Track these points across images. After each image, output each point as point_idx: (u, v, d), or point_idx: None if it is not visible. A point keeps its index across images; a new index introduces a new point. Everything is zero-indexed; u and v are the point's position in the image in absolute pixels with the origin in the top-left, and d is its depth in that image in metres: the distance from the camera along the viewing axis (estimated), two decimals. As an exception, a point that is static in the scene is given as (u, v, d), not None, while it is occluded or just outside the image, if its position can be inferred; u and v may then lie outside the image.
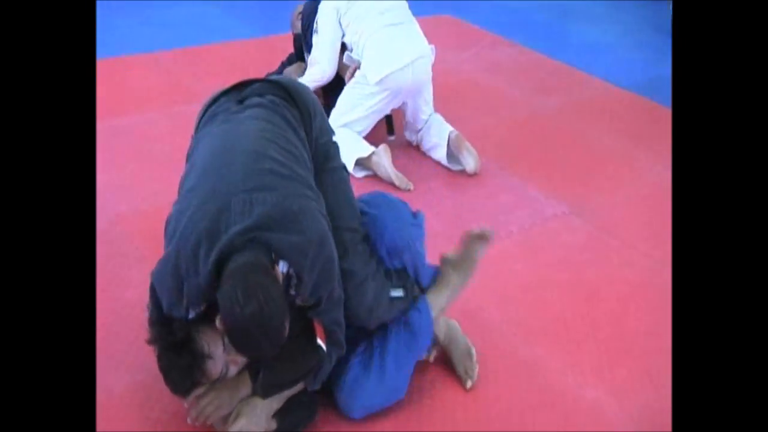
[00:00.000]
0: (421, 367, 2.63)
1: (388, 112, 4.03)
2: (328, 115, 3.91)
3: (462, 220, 3.49)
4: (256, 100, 2.41)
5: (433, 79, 4.18)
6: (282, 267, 2.10)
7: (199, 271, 2.03)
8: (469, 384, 2.59)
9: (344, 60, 3.96)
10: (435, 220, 3.43)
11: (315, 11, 3.98)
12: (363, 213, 2.51)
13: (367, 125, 3.93)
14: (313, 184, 2.29)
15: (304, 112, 2.42)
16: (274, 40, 5.38)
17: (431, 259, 2.67)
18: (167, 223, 2.20)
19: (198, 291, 2.06)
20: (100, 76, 4.79)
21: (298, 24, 4.27)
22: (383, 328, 2.51)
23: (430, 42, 3.95)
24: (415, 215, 2.65)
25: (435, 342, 2.64)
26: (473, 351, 2.65)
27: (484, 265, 3.12)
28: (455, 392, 2.58)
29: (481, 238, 2.69)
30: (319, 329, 2.24)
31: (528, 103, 4.79)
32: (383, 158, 3.76)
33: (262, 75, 4.68)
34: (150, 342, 2.21)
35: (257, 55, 4.89)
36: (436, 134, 3.97)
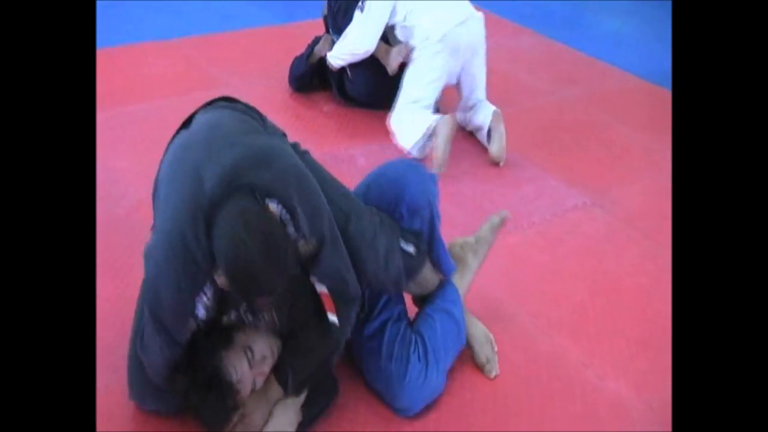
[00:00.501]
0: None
1: (446, 81, 3.98)
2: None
3: (483, 210, 3.45)
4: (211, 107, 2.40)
5: None
6: (273, 206, 2.05)
7: (200, 238, 1.98)
8: (493, 373, 2.58)
9: (393, 53, 3.95)
10: (455, 210, 3.42)
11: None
12: (381, 175, 2.51)
13: (432, 97, 3.91)
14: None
15: (257, 117, 2.39)
16: (293, 27, 5.37)
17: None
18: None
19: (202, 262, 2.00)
20: (120, 63, 4.82)
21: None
22: (428, 318, 2.53)
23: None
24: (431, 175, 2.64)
25: None
26: (493, 339, 2.64)
27: (505, 255, 3.12)
28: (473, 384, 2.56)
29: (501, 224, 2.74)
30: (327, 301, 2.19)
31: (549, 93, 4.76)
32: (446, 127, 3.69)
33: (281, 61, 4.71)
34: (175, 390, 2.17)
35: (276, 43, 4.87)
36: (483, 116, 3.98)
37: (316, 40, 4.41)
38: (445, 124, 3.71)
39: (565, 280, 3.08)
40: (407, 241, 2.41)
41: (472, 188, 3.68)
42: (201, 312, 2.06)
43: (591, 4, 6.48)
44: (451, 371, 2.57)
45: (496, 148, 3.85)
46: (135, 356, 2.26)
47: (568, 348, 2.73)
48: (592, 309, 2.92)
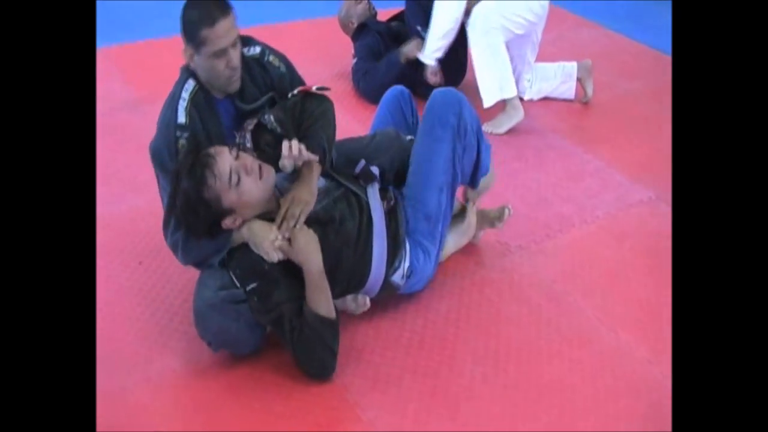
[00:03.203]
0: (500, 356, 2.64)
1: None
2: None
3: (547, 203, 3.46)
4: None
5: None
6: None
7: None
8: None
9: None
10: (519, 202, 3.42)
11: None
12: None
13: (519, 29, 4.09)
14: None
15: None
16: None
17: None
18: None
19: None
20: (169, 55, 4.86)
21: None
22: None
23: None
24: None
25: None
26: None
27: (570, 249, 3.12)
28: (539, 378, 2.56)
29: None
30: (303, 89, 2.66)
31: (612, 86, 4.71)
32: (516, 115, 4.07)
33: (335, 53, 4.73)
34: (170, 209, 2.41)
35: (333, 34, 4.88)
36: (556, 75, 4.46)
37: (369, 51, 4.43)
38: (517, 112, 4.13)
39: (630, 275, 3.06)
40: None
41: (536, 180, 3.67)
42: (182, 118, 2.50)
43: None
44: (516, 363, 2.58)
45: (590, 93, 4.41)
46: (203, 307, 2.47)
47: (634, 344, 2.71)
48: (658, 305, 2.89)
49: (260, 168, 2.38)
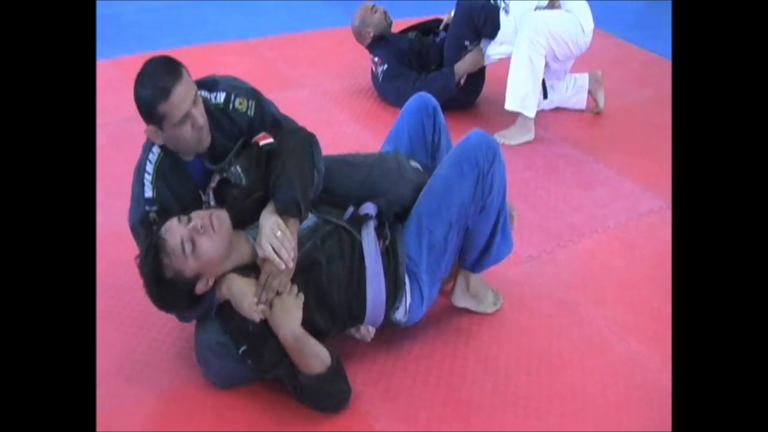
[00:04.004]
0: (511, 366, 2.65)
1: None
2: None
3: (558, 212, 3.47)
4: None
5: None
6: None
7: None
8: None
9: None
10: (530, 211, 3.43)
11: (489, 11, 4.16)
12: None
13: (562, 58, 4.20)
14: None
15: None
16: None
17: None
18: None
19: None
20: (198, 62, 4.89)
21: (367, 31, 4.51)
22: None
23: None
24: None
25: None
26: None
27: (581, 259, 3.13)
28: (551, 386, 2.57)
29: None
30: (259, 138, 2.49)
31: (622, 94, 4.72)
32: (527, 134, 4.15)
33: (356, 61, 4.74)
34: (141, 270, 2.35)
35: (352, 43, 4.90)
36: (568, 87, 4.51)
37: (399, 58, 4.43)
38: (529, 132, 4.18)
39: (641, 285, 3.06)
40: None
41: (547, 190, 3.68)
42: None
43: (662, 3, 6.40)
44: (527, 373, 2.59)
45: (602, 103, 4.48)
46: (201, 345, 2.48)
47: (645, 353, 2.72)
48: (669, 314, 2.90)
49: (211, 220, 2.29)
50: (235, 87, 2.57)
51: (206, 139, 2.43)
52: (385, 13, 4.57)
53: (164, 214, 2.40)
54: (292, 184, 2.33)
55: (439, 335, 2.76)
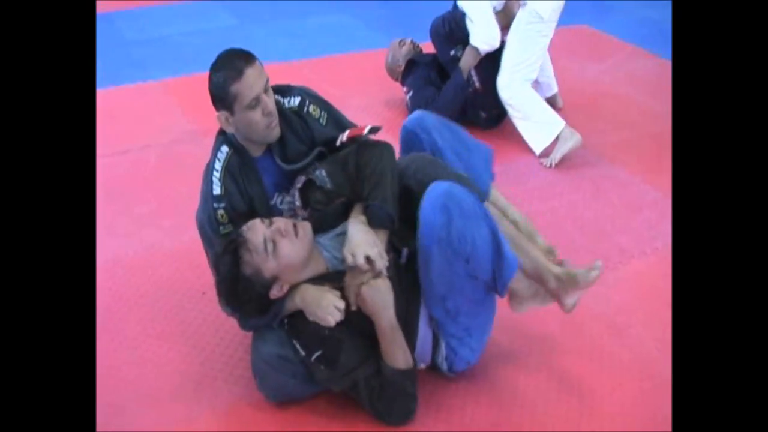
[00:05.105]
0: (563, 389, 2.65)
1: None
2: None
3: (606, 234, 3.46)
4: None
5: (572, 90, 4.22)
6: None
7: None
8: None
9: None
10: (578, 233, 3.43)
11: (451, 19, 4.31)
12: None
13: (536, 72, 4.23)
14: None
15: None
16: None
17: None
18: None
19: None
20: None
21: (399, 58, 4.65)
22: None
23: (567, 53, 4.04)
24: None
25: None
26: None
27: (630, 281, 3.12)
28: (601, 410, 2.56)
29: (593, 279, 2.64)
30: (353, 132, 2.58)
31: (669, 116, 4.70)
32: (571, 139, 4.07)
33: (394, 84, 4.79)
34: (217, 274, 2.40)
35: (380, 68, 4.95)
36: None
37: (424, 81, 4.51)
38: (571, 134, 4.04)
39: (691, 307, 3.04)
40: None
41: (594, 211, 3.67)
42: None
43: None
44: (579, 395, 2.59)
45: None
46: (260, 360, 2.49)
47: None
48: (721, 337, 2.88)
49: (295, 228, 2.35)
50: (309, 94, 2.68)
51: (276, 130, 2.51)
52: (412, 42, 4.71)
53: (232, 213, 2.48)
54: (386, 198, 2.39)
55: (490, 357, 2.75)
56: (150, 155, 4.30)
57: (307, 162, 2.55)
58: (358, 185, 2.45)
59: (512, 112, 4.18)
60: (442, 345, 2.54)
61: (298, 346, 2.39)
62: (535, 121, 4.12)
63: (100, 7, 6.99)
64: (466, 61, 4.32)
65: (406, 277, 2.43)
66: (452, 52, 4.37)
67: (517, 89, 4.13)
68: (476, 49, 4.26)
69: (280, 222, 2.35)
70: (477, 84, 4.35)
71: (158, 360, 2.78)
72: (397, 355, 2.37)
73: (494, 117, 4.44)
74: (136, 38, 6.22)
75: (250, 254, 2.30)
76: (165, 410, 2.58)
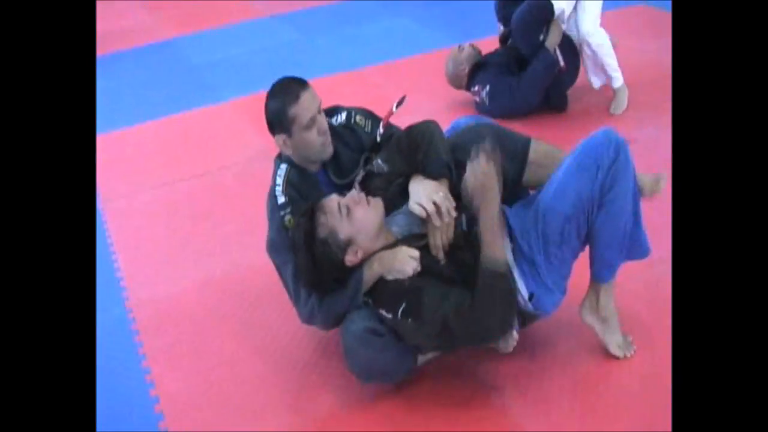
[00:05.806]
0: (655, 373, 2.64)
1: None
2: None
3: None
4: None
5: (633, 69, 4.46)
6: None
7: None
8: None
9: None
10: (656, 214, 3.35)
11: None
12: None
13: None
14: None
15: None
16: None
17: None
18: None
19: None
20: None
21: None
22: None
23: (626, 32, 4.26)
24: None
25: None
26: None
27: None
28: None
29: None
30: (386, 119, 2.85)
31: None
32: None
33: (439, 86, 4.77)
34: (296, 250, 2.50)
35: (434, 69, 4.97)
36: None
37: (501, 70, 4.54)
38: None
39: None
40: None
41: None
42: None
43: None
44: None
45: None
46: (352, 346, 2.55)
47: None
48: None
49: (367, 198, 2.50)
50: (353, 108, 2.90)
51: (329, 147, 2.70)
52: (471, 45, 4.72)
53: (298, 209, 2.60)
54: (440, 153, 2.56)
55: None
56: (228, 175, 4.40)
57: (359, 173, 2.73)
58: (413, 157, 2.59)
59: (596, 45, 4.41)
60: (517, 281, 2.51)
61: (383, 312, 2.46)
62: (614, 59, 4.47)
63: (165, 35, 7.21)
64: (552, 39, 4.37)
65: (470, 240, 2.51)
66: (542, 37, 4.38)
67: (602, 34, 4.42)
68: (559, 23, 4.36)
69: (352, 193, 2.53)
70: (561, 63, 4.41)
71: (256, 375, 2.86)
72: (500, 247, 2.40)
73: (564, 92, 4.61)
74: (202, 62, 6.36)
75: (326, 216, 2.43)
76: (269, 424, 2.65)
